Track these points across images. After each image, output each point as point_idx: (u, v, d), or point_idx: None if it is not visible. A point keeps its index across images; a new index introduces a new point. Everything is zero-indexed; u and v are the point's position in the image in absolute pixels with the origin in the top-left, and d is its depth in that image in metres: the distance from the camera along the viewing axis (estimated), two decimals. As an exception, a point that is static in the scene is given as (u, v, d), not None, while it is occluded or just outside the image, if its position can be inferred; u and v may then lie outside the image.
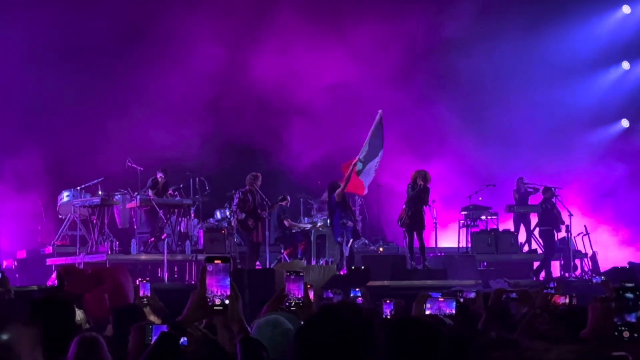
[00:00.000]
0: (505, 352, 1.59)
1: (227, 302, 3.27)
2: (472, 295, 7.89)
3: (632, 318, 3.79)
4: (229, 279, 3.29)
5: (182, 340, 3.35)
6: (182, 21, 20.59)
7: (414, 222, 17.11)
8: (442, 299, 6.20)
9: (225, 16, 20.70)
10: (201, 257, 16.77)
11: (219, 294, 3.28)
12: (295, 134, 21.18)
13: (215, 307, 3.27)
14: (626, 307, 3.80)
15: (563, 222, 19.56)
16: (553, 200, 19.66)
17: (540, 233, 19.91)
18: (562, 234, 19.69)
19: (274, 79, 20.87)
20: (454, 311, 6.07)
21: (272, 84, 20.85)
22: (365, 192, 17.76)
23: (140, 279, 8.61)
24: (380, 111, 17.64)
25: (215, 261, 3.30)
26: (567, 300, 7.29)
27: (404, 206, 17.34)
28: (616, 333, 3.75)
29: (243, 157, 20.74)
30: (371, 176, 17.52)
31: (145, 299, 7.98)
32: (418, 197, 17.02)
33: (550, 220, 19.51)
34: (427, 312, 6.07)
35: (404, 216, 17.31)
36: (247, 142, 21.04)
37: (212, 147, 20.43)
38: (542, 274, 19.26)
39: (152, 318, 7.55)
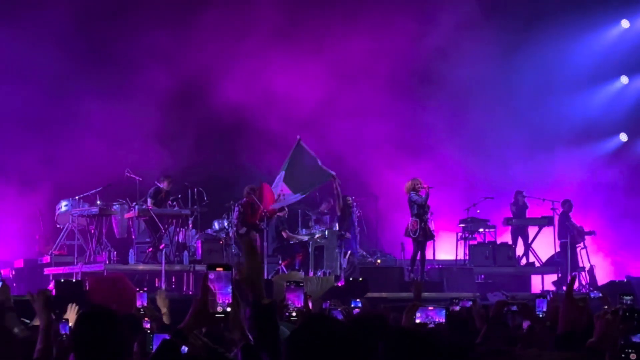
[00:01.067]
0: (498, 359, 1.60)
1: (228, 309, 3.27)
2: (469, 304, 7.91)
3: (638, 339, 3.77)
4: (230, 287, 3.31)
5: (182, 348, 3.36)
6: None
7: (427, 232, 17.45)
8: (431, 308, 6.22)
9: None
10: (199, 267, 16.78)
11: (220, 301, 3.28)
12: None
13: (216, 315, 3.27)
14: (632, 327, 3.79)
15: (582, 235, 19.79)
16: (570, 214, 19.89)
17: (560, 246, 19.98)
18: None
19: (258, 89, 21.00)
20: (443, 320, 6.09)
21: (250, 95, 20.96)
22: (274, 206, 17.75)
23: (138, 289, 8.61)
24: (297, 136, 17.96)
25: (217, 269, 3.31)
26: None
27: (414, 218, 17.46)
28: (623, 355, 3.73)
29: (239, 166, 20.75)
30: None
31: (142, 310, 7.97)
32: (425, 204, 17.31)
33: (569, 233, 19.70)
34: (417, 321, 6.09)
35: (417, 228, 17.43)
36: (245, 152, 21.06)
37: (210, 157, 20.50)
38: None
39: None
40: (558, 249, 20.13)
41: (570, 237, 19.79)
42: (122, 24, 20.38)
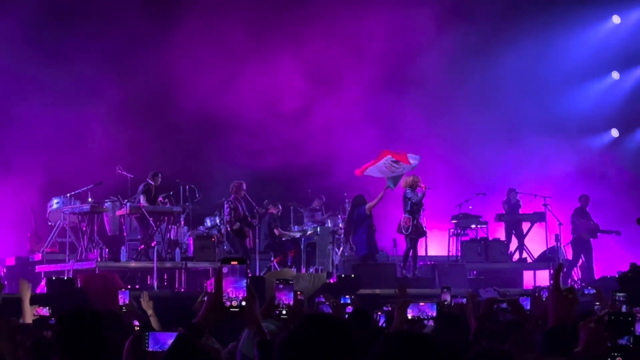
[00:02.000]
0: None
1: (243, 303, 3.26)
2: (463, 300, 7.91)
3: (624, 341, 3.73)
4: (245, 281, 3.28)
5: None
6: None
7: (419, 229, 17.48)
8: (423, 303, 6.25)
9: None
10: (191, 264, 16.78)
11: (234, 295, 3.27)
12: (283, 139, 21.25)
13: (231, 309, 3.26)
14: (619, 330, 3.74)
15: (595, 230, 19.83)
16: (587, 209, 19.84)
17: (572, 241, 20.00)
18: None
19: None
20: (435, 314, 6.11)
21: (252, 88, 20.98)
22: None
23: (129, 287, 8.64)
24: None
25: (232, 262, 3.29)
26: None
27: (407, 215, 17.49)
28: (609, 359, 3.69)
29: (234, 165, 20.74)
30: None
31: (124, 307, 7.99)
32: (420, 202, 17.35)
33: (583, 228, 19.72)
34: (409, 316, 6.10)
35: (409, 225, 17.47)
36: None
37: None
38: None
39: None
40: (551, 245, 20.17)
41: (578, 234, 19.87)
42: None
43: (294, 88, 21.31)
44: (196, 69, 20.77)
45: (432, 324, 6.18)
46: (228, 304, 3.26)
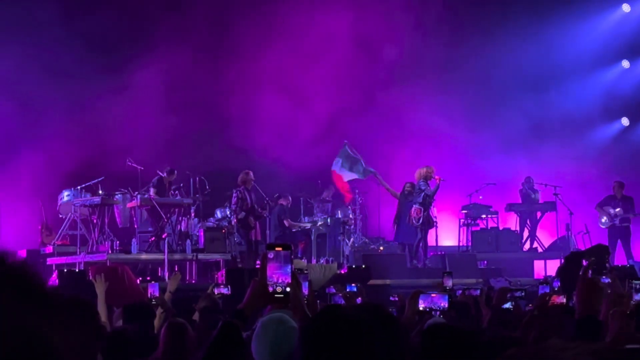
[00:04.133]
0: (520, 350, 1.57)
1: (288, 289, 3.26)
2: (477, 292, 7.92)
3: None
4: (290, 267, 3.27)
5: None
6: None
7: (430, 220, 17.48)
8: (434, 294, 6.23)
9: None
10: (202, 256, 16.80)
11: (279, 281, 3.26)
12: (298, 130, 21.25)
13: (276, 295, 3.25)
14: None
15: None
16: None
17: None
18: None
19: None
20: (447, 305, 6.10)
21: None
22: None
23: (140, 278, 8.72)
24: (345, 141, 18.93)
25: (277, 248, 3.28)
26: (565, 300, 7.29)
27: (418, 206, 17.46)
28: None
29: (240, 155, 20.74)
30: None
31: (154, 300, 8.03)
32: (433, 195, 17.36)
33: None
34: (421, 307, 6.09)
35: (420, 215, 17.45)
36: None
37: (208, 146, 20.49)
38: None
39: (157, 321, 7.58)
40: (562, 234, 20.12)
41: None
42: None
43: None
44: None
45: (439, 316, 6.15)
46: (273, 289, 3.25)
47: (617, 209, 19.30)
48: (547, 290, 7.55)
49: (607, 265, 13.08)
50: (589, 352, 1.49)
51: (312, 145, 20.73)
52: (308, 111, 21.23)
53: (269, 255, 3.27)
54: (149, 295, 8.07)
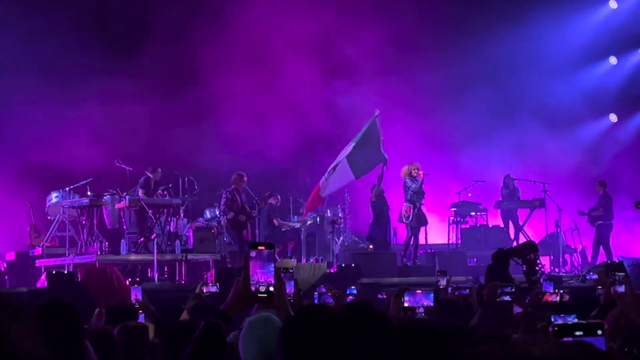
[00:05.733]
0: (491, 346, 1.57)
1: (271, 289, 3.23)
2: (466, 292, 7.93)
3: None
4: (272, 266, 3.24)
5: None
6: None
7: (421, 218, 17.45)
8: (419, 292, 6.19)
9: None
10: (191, 256, 16.77)
11: (262, 280, 3.23)
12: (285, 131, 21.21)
13: (259, 295, 3.23)
14: None
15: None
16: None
17: (599, 227, 19.78)
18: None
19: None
20: (432, 303, 6.06)
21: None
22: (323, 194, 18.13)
23: (129, 279, 8.70)
24: (377, 111, 17.80)
25: (259, 247, 3.25)
26: (558, 298, 7.30)
27: (407, 204, 17.46)
28: None
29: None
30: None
31: (137, 303, 8.02)
32: (420, 190, 17.31)
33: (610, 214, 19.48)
34: (406, 305, 6.06)
35: (410, 213, 17.44)
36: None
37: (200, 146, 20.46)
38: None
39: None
40: (551, 231, 20.15)
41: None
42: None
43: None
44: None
45: (423, 313, 6.12)
46: (256, 288, 3.23)
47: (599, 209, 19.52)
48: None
49: (538, 262, 13.11)
50: (557, 346, 1.50)
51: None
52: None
53: (251, 255, 3.24)
54: (132, 299, 8.05)
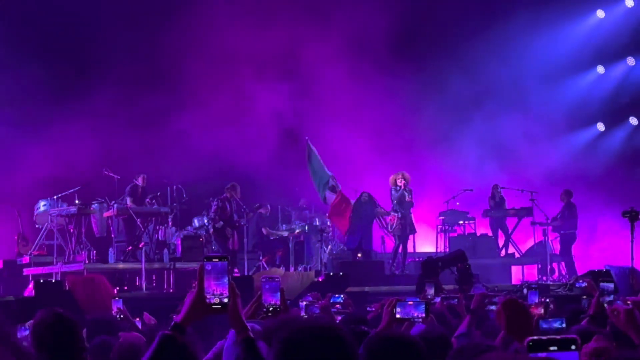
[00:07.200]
0: (501, 354, 1.59)
1: (225, 300, 3.26)
2: (455, 302, 7.95)
3: None
4: (227, 278, 3.27)
5: None
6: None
7: (406, 226, 17.46)
8: (411, 303, 6.20)
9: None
10: (179, 265, 16.76)
11: (217, 292, 3.26)
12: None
13: (213, 306, 3.25)
14: None
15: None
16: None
17: (562, 237, 19.86)
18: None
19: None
20: (423, 314, 6.08)
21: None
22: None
23: (117, 288, 8.70)
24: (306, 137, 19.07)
25: (214, 260, 3.28)
26: (543, 311, 7.30)
27: (392, 212, 17.53)
28: None
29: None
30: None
31: (119, 314, 8.02)
32: (403, 199, 17.32)
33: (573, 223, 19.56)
34: (397, 316, 6.07)
35: (394, 222, 17.49)
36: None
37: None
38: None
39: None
40: (539, 239, 20.20)
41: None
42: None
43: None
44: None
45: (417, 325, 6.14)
46: (211, 300, 3.24)
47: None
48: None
49: (470, 272, 13.19)
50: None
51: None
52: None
53: (206, 267, 3.26)
54: (114, 311, 8.05)
